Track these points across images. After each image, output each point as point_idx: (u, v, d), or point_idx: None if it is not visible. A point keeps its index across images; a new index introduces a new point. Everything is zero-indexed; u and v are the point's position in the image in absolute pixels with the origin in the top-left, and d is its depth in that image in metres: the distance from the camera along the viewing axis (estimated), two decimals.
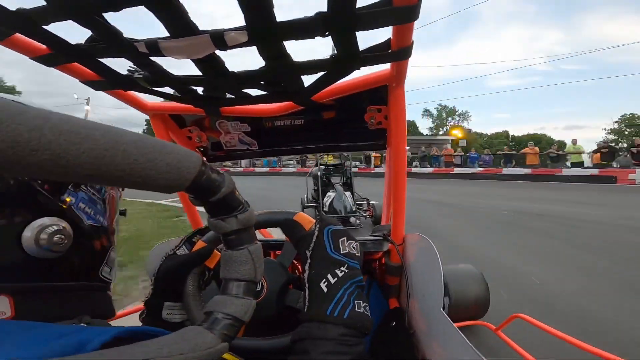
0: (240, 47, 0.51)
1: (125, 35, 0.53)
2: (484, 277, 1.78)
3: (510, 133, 47.62)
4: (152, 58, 0.59)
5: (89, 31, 0.52)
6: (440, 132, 47.39)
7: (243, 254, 0.42)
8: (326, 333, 0.50)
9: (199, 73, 0.64)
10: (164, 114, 1.00)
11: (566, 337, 1.14)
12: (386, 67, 0.71)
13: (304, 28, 0.48)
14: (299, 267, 0.96)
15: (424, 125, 52.13)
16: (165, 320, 0.65)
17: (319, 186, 5.33)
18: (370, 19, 0.46)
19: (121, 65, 0.65)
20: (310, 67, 0.62)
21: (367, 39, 0.53)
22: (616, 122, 40.04)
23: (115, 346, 0.27)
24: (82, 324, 0.42)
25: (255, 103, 0.81)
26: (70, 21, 0.48)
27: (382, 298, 1.09)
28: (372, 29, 0.48)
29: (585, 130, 73.61)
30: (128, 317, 1.33)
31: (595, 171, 12.41)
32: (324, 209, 5.00)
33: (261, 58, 0.57)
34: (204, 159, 0.39)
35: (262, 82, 0.69)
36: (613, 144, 20.86)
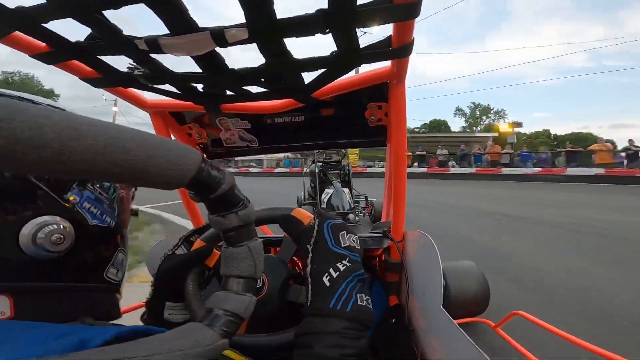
0: (241, 44, 0.51)
1: (125, 32, 0.53)
2: (483, 275, 1.78)
3: (551, 132, 44.68)
4: (152, 55, 0.59)
5: (89, 29, 0.52)
6: (476, 131, 43.85)
7: (243, 251, 0.42)
8: (329, 327, 0.50)
9: (199, 70, 0.64)
10: (163, 111, 1.00)
11: (566, 335, 1.14)
12: (387, 64, 0.71)
13: (304, 25, 0.48)
14: (299, 262, 0.97)
15: (457, 125, 48.45)
16: (167, 320, 0.65)
17: (317, 183, 5.24)
18: (371, 16, 0.46)
19: (121, 62, 0.65)
20: (310, 64, 0.61)
21: (367, 35, 0.53)
22: None
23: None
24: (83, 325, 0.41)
25: (255, 100, 0.81)
26: (70, 19, 0.48)
27: (383, 295, 1.10)
28: (373, 26, 0.48)
29: (635, 130, 71.18)
30: (129, 316, 1.34)
31: None
32: (322, 206, 4.95)
33: (261, 55, 0.57)
34: (204, 155, 0.39)
35: (263, 79, 0.69)
36: None
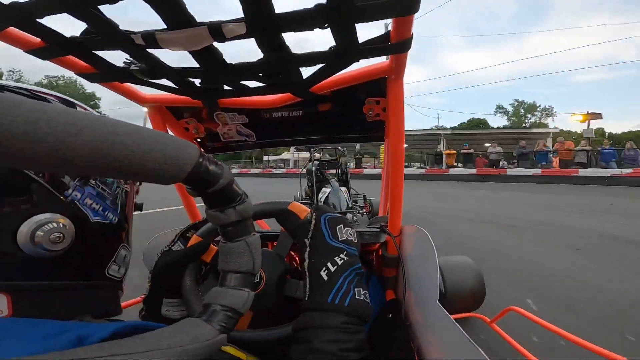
0: (239, 39, 0.51)
1: (122, 27, 0.53)
2: (480, 270, 1.80)
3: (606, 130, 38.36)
4: (149, 50, 0.58)
5: (85, 24, 0.51)
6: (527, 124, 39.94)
7: (241, 246, 0.42)
8: (328, 321, 0.50)
9: (197, 65, 0.63)
10: (160, 106, 0.99)
11: (560, 331, 1.15)
12: (385, 59, 0.71)
13: (303, 19, 0.47)
14: (296, 257, 0.97)
15: (498, 124, 43.98)
16: (164, 316, 0.65)
17: (313, 182, 5.08)
18: (370, 10, 0.46)
19: (117, 57, 0.64)
20: (309, 59, 0.61)
21: (366, 30, 0.53)
22: None
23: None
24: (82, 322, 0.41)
25: (253, 95, 0.81)
26: (66, 14, 0.47)
27: (380, 290, 1.10)
28: (372, 20, 0.48)
29: None
30: (129, 313, 1.33)
31: None
32: None
33: (259, 50, 0.57)
34: (202, 150, 0.39)
35: (261, 74, 0.68)
36: None
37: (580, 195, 7.96)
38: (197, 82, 0.74)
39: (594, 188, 9.59)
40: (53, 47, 0.59)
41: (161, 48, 0.55)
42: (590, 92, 78.65)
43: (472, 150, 15.25)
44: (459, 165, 15.09)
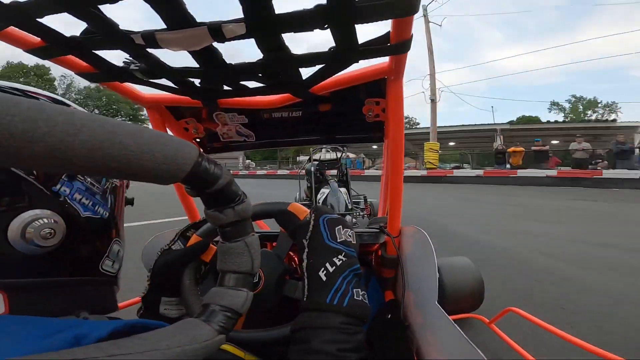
0: (238, 39, 0.51)
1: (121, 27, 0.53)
2: (479, 271, 1.80)
3: None
4: (149, 50, 0.58)
5: (85, 23, 0.51)
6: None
7: (240, 246, 0.42)
8: (326, 322, 0.50)
9: (196, 65, 0.63)
10: (160, 106, 0.99)
11: (558, 332, 1.15)
12: (384, 60, 0.71)
13: (302, 20, 0.47)
14: (295, 258, 0.97)
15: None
16: (163, 315, 0.65)
17: (312, 182, 4.92)
18: (370, 11, 0.46)
19: (117, 57, 0.64)
20: (308, 59, 0.61)
21: (365, 31, 0.53)
22: None
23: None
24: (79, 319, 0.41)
25: (253, 95, 0.81)
26: (65, 13, 0.47)
27: (379, 290, 1.10)
28: (371, 21, 0.48)
29: None
30: (127, 311, 1.33)
31: None
32: None
33: (259, 50, 0.57)
34: (201, 150, 0.39)
35: (260, 74, 0.68)
36: None
37: None
38: (196, 82, 0.74)
39: None
40: (53, 46, 0.59)
41: (161, 48, 0.55)
42: None
43: (547, 147, 12.27)
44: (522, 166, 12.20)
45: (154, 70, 0.66)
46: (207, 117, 1.08)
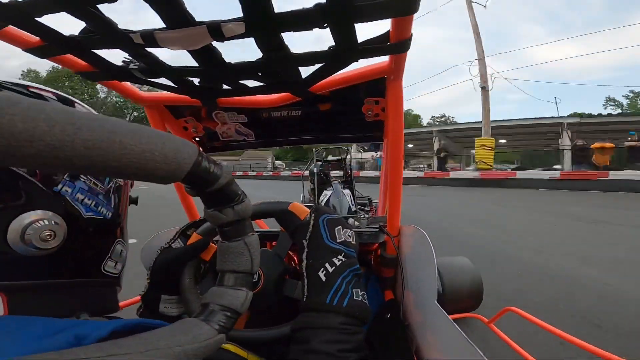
0: (238, 38, 0.51)
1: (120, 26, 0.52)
2: (478, 271, 1.80)
3: None
4: (148, 49, 0.58)
5: (83, 22, 0.51)
6: None
7: (239, 246, 0.42)
8: (326, 322, 0.50)
9: (196, 64, 0.63)
10: (159, 105, 0.99)
11: (557, 332, 1.16)
12: (384, 59, 0.71)
13: (302, 19, 0.47)
14: (295, 257, 0.97)
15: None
16: (162, 313, 0.65)
17: (316, 184, 4.76)
18: (369, 10, 0.46)
19: (116, 56, 0.64)
20: (308, 58, 0.61)
21: (365, 30, 0.53)
22: None
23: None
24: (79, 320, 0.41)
25: (252, 94, 0.81)
26: (64, 12, 0.47)
27: (378, 290, 1.10)
28: (371, 20, 0.48)
29: None
30: (127, 311, 1.32)
31: None
32: None
33: (259, 49, 0.57)
34: (200, 149, 0.39)
35: (260, 74, 0.68)
36: None
37: None
38: (196, 81, 0.74)
39: None
40: (52, 45, 0.59)
41: (160, 47, 0.55)
42: None
43: None
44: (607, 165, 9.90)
45: (153, 69, 0.66)
46: (206, 116, 1.08)
